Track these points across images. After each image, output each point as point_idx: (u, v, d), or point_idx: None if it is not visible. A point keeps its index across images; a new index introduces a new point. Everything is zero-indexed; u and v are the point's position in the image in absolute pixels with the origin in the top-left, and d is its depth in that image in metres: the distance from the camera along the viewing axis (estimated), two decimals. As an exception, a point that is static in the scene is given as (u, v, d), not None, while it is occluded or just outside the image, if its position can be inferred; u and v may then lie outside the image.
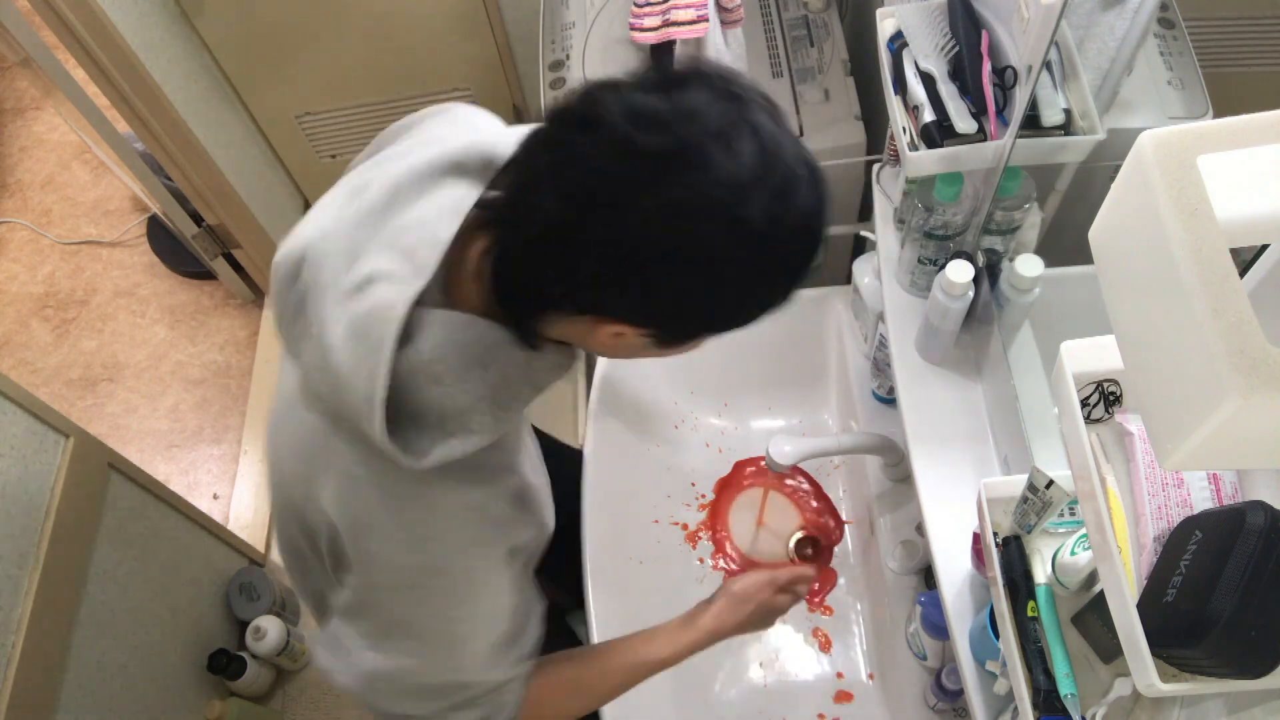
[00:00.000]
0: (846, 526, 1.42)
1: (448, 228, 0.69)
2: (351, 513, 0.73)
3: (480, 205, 0.72)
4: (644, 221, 0.59)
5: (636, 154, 0.59)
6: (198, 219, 2.24)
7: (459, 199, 0.71)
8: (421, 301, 0.67)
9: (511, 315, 0.69)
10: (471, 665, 0.77)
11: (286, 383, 0.80)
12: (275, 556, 2.22)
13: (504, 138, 0.74)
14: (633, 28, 1.20)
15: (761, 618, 1.01)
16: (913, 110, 1.05)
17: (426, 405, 0.67)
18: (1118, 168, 0.55)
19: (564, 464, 1.30)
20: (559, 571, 1.32)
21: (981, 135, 1.01)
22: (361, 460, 0.71)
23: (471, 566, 0.74)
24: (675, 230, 0.60)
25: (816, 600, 1.36)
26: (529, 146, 0.66)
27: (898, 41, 1.09)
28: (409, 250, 0.68)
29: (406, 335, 0.66)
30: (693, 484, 1.47)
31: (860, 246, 1.59)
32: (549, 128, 0.65)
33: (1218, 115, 0.69)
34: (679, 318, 0.68)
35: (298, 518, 0.79)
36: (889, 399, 1.36)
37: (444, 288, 0.70)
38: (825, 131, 1.51)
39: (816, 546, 1.40)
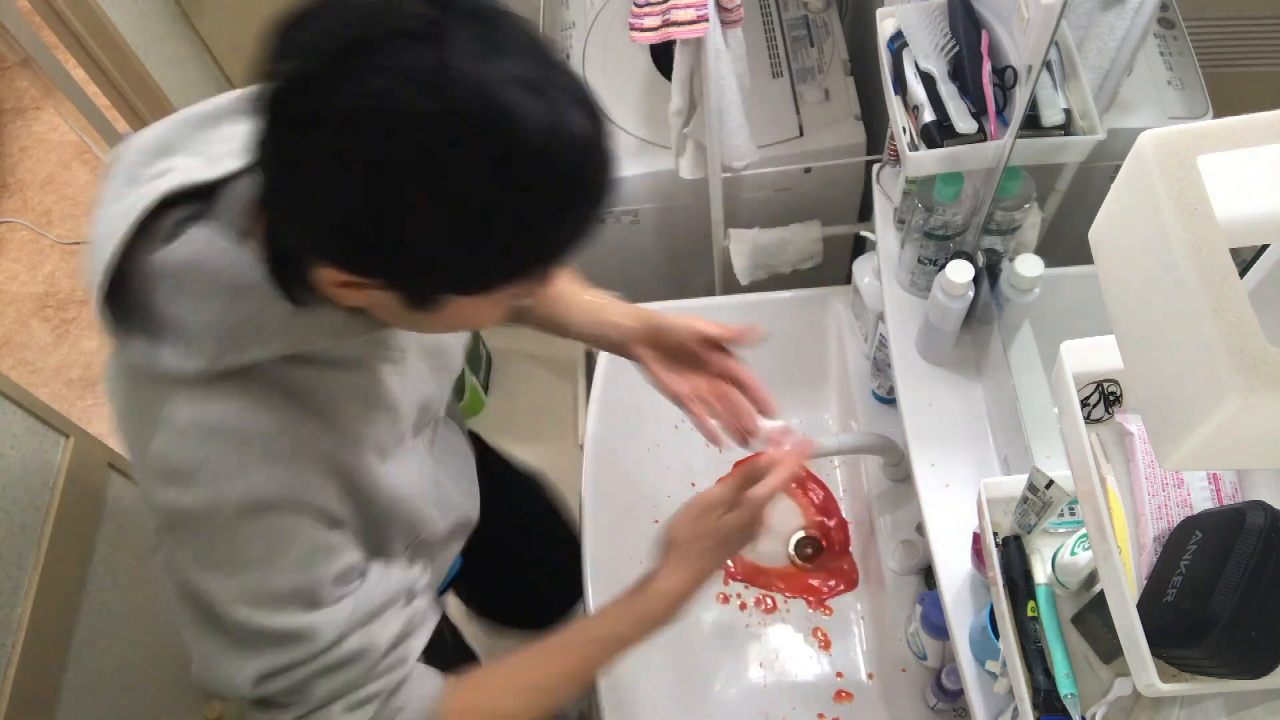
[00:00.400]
0: (847, 526, 1.42)
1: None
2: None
3: None
4: (313, 124, 0.53)
5: (316, 47, 0.53)
6: (198, 219, 2.24)
7: None
8: (206, 220, 0.65)
9: (268, 268, 0.64)
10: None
11: None
12: (275, 556, 2.21)
13: None
14: (633, 27, 1.20)
15: (724, 547, 0.87)
16: (913, 110, 1.05)
17: (157, 309, 0.64)
18: (1118, 168, 0.55)
19: (507, 485, 1.25)
20: (507, 596, 1.31)
21: (981, 135, 1.01)
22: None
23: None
24: (336, 141, 0.52)
25: (829, 592, 1.36)
26: None
27: (898, 41, 1.09)
28: (213, 157, 0.66)
29: (173, 239, 0.64)
30: (693, 484, 1.47)
31: (860, 246, 1.59)
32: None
33: (1218, 115, 0.69)
34: (375, 256, 0.58)
35: None
36: (889, 399, 1.36)
37: (249, 220, 0.66)
38: (825, 131, 1.51)
39: (817, 546, 1.40)
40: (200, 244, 0.64)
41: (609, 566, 1.27)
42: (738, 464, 1.49)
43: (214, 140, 0.68)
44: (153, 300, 0.64)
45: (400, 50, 0.51)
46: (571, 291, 0.99)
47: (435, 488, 0.91)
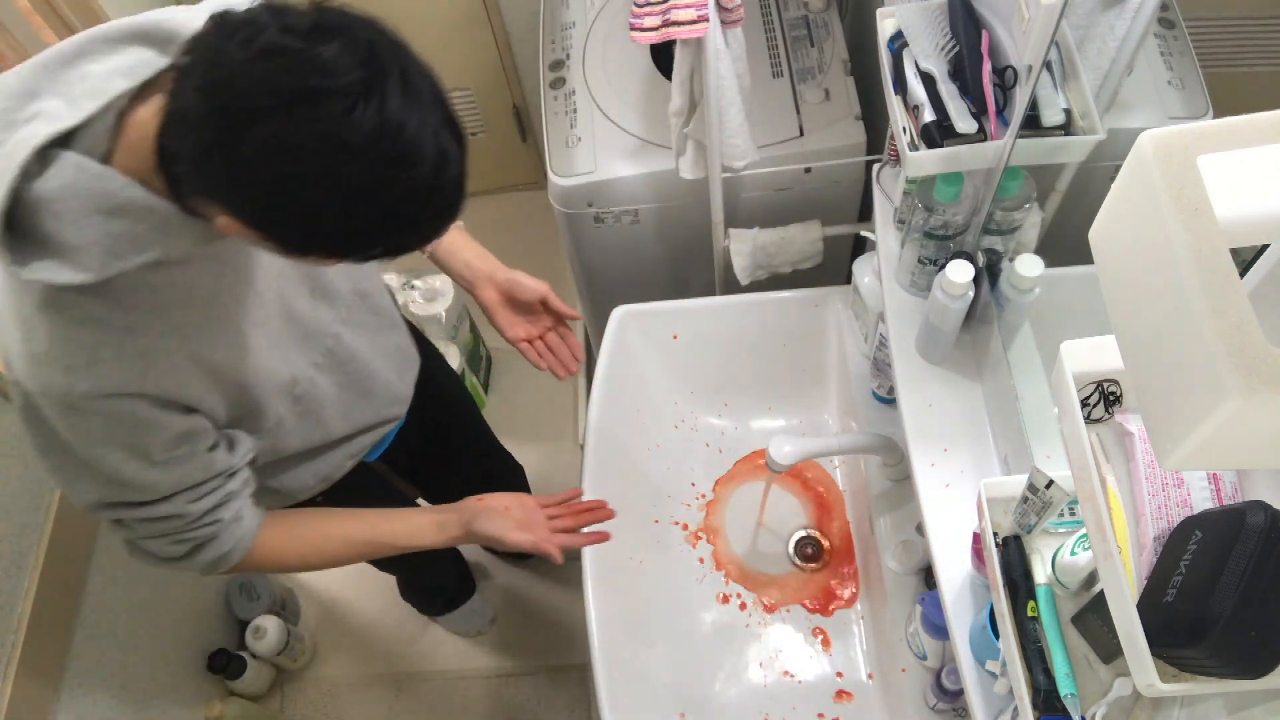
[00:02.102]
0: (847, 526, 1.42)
1: (116, 85, 0.77)
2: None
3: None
4: (258, 143, 0.67)
5: (264, 84, 0.66)
6: (198, 219, 2.24)
7: (135, 63, 0.79)
8: (73, 146, 0.75)
9: (165, 182, 0.76)
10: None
11: None
12: (275, 556, 2.22)
13: (194, 19, 0.82)
14: (633, 27, 1.20)
15: (517, 530, 1.10)
16: (913, 110, 1.05)
17: (44, 232, 0.75)
18: (1118, 168, 0.55)
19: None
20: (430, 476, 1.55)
21: (982, 135, 1.01)
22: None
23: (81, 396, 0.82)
24: (282, 161, 0.68)
25: (833, 601, 1.36)
26: (198, 39, 0.72)
27: (898, 41, 1.09)
28: (74, 98, 0.76)
29: (46, 168, 0.74)
30: (693, 484, 1.47)
31: (860, 246, 1.59)
32: (215, 28, 0.71)
33: (1218, 115, 0.69)
34: (287, 236, 0.75)
35: None
36: (889, 399, 1.36)
37: (112, 142, 0.77)
38: (825, 131, 1.51)
39: (817, 546, 1.40)
40: (69, 173, 0.74)
41: (609, 566, 1.27)
42: (738, 464, 1.50)
43: (71, 81, 0.77)
44: (36, 225, 0.75)
45: (338, 103, 0.67)
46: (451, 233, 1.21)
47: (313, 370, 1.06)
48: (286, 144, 0.67)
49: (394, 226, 0.75)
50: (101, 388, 0.82)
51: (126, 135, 0.77)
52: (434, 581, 1.87)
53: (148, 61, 0.79)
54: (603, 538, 1.16)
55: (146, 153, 0.75)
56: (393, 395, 1.19)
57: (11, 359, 0.83)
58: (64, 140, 0.75)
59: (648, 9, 1.18)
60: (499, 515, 1.10)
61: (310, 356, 1.03)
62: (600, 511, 1.16)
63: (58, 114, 0.75)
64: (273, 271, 0.95)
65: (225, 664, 1.86)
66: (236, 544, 0.98)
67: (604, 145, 1.55)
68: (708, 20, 1.16)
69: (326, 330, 1.04)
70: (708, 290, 1.66)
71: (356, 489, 1.23)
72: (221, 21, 0.70)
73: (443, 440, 1.50)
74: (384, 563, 1.61)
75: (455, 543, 1.12)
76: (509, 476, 1.77)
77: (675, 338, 1.48)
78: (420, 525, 1.11)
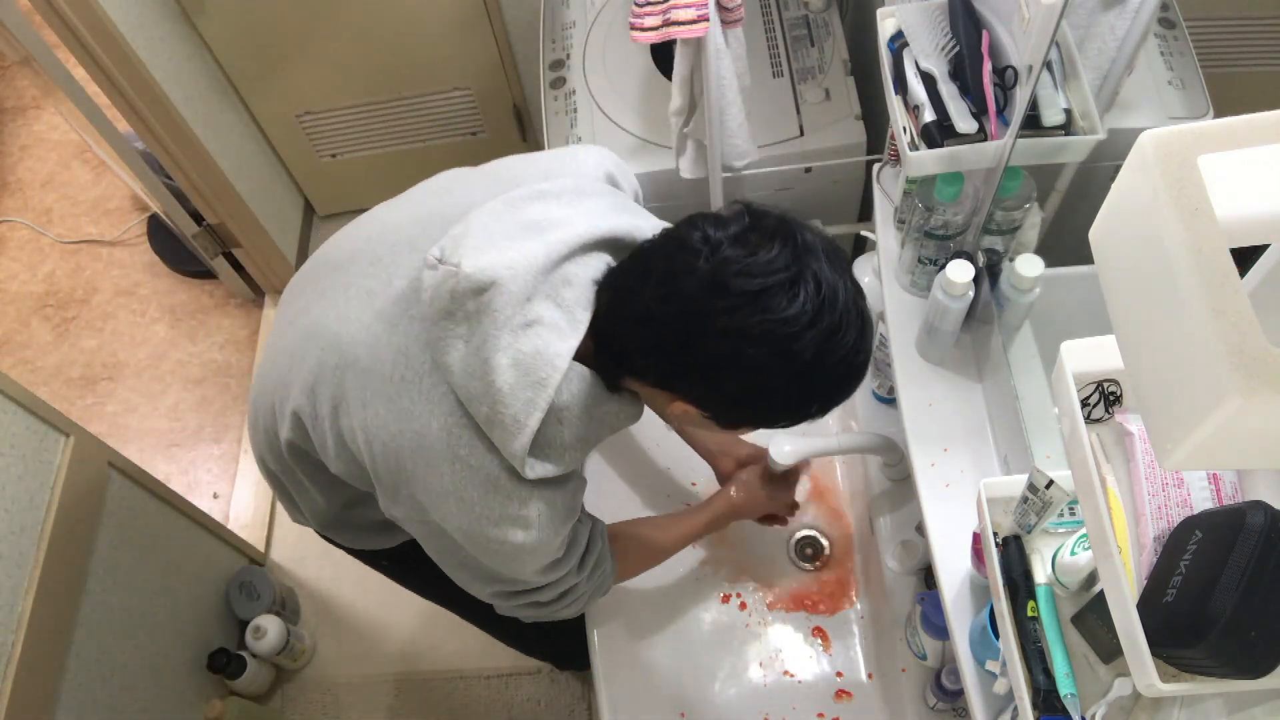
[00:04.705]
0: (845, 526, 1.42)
1: (593, 293, 0.87)
2: (449, 487, 0.89)
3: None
4: (717, 337, 0.77)
5: (722, 289, 0.76)
6: (198, 218, 2.25)
7: (603, 269, 0.89)
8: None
9: (603, 368, 0.87)
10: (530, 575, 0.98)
11: (355, 332, 0.93)
12: (275, 555, 2.22)
13: (642, 230, 0.92)
14: (633, 27, 1.20)
15: (753, 508, 1.27)
16: (913, 110, 1.05)
17: (545, 436, 0.85)
18: (1118, 168, 0.55)
19: None
20: None
21: (982, 135, 1.01)
22: (479, 455, 0.87)
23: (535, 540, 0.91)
24: (739, 349, 0.77)
25: (829, 605, 1.36)
26: (649, 250, 0.84)
27: (898, 41, 1.09)
28: (567, 305, 0.85)
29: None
30: (693, 484, 1.47)
31: (860, 246, 1.59)
32: (665, 241, 0.83)
33: (1218, 115, 0.69)
34: (733, 412, 0.86)
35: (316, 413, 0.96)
36: (889, 399, 1.36)
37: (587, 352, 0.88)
38: (825, 131, 1.51)
39: (817, 546, 1.40)
40: (575, 384, 0.85)
41: (609, 566, 1.27)
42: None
43: (558, 285, 0.85)
44: (540, 431, 0.84)
45: (784, 292, 0.77)
46: None
47: None
48: (747, 335, 0.76)
49: (830, 389, 0.83)
50: (571, 516, 0.95)
51: None
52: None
53: (608, 264, 0.89)
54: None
55: (587, 344, 0.86)
56: None
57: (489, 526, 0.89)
58: None
59: (648, 9, 1.18)
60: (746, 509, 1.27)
61: None
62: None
63: (558, 324, 0.84)
64: None
65: (225, 664, 1.86)
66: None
67: (604, 145, 1.55)
68: (708, 20, 1.16)
69: None
70: (708, 290, 1.65)
71: None
72: (671, 235, 0.83)
73: None
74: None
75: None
76: None
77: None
78: (701, 525, 1.24)
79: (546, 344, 0.82)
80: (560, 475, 0.88)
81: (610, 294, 0.86)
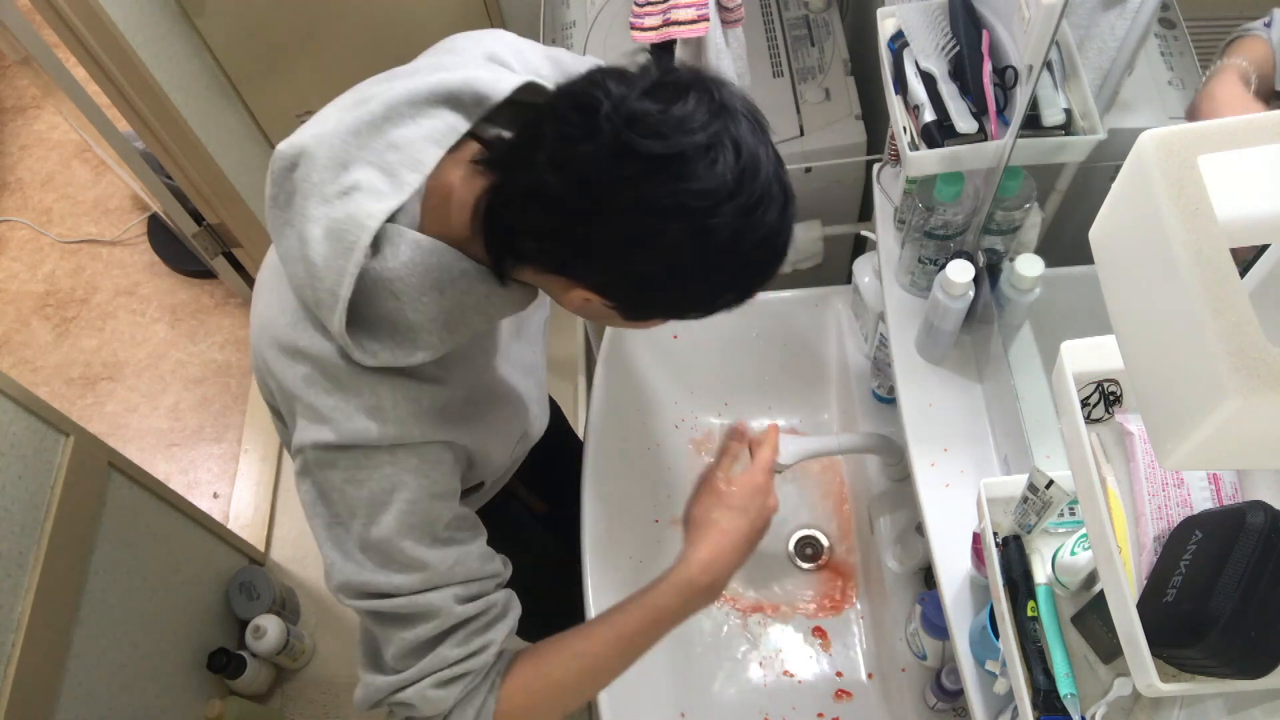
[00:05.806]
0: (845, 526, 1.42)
1: (431, 154, 0.77)
2: (302, 388, 0.79)
3: (484, 143, 0.79)
4: (623, 211, 0.67)
5: (629, 153, 0.65)
6: (198, 218, 2.25)
7: (446, 129, 0.78)
8: (394, 218, 0.74)
9: (491, 254, 0.76)
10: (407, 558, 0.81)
11: (272, 257, 0.87)
12: (275, 555, 2.22)
13: (503, 82, 0.80)
14: (633, 27, 1.20)
15: (740, 510, 0.95)
16: (913, 110, 1.05)
17: (382, 314, 0.74)
18: (1118, 168, 0.55)
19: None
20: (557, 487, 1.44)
21: (982, 135, 1.01)
22: (318, 343, 0.78)
23: (401, 439, 0.79)
24: (648, 225, 0.67)
25: (833, 603, 1.36)
26: (540, 112, 0.71)
27: (898, 41, 1.09)
28: (391, 168, 0.75)
29: (376, 247, 0.73)
30: (693, 484, 1.47)
31: (860, 246, 1.59)
32: (558, 102, 0.70)
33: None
34: (641, 299, 0.75)
35: (263, 372, 0.86)
36: (889, 399, 1.36)
37: (420, 209, 0.77)
38: (825, 131, 1.51)
39: (817, 546, 1.40)
40: (405, 250, 0.74)
41: (609, 565, 1.27)
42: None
43: (382, 149, 0.76)
44: (375, 306, 0.74)
45: (702, 157, 0.66)
46: None
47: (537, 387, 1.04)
48: (657, 208, 0.66)
49: (748, 273, 0.73)
50: (441, 432, 0.80)
51: (429, 201, 0.77)
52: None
53: (454, 127, 0.78)
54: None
55: (453, 219, 0.76)
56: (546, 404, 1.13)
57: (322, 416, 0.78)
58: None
59: (648, 8, 1.18)
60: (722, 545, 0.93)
61: (534, 394, 1.01)
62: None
63: (377, 187, 0.74)
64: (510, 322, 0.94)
65: (225, 663, 1.86)
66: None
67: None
68: (708, 20, 1.16)
69: (538, 365, 1.03)
70: (708, 290, 1.65)
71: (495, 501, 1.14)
72: (567, 93, 0.69)
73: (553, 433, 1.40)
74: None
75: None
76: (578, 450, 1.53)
77: (675, 338, 1.48)
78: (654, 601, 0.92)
79: (359, 206, 0.73)
80: (417, 368, 0.77)
81: (493, 167, 0.74)
